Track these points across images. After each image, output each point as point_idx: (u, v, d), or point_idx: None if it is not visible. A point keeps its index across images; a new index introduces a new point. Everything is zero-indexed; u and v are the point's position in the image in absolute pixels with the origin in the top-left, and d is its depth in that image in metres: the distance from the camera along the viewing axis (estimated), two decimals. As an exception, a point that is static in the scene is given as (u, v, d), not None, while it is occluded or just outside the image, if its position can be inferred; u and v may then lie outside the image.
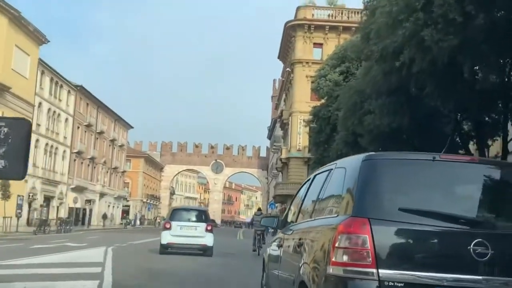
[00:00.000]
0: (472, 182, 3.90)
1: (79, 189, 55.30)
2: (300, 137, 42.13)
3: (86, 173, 58.71)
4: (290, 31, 44.53)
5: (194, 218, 17.99)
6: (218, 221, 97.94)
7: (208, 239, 17.29)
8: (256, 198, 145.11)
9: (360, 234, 3.43)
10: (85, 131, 57.63)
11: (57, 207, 50.71)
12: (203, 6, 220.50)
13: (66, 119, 51.96)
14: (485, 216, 3.78)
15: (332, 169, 4.55)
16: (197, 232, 17.35)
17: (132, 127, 76.75)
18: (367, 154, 4.02)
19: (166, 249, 17.23)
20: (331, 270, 3.50)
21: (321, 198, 4.54)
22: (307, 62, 42.73)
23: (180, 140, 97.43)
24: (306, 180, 5.56)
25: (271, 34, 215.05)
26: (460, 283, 3.38)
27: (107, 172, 67.10)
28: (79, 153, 55.09)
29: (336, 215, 3.86)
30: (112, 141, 67.82)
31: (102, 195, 64.17)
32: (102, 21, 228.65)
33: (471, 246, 3.41)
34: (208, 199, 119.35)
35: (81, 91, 54.91)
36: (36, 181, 45.08)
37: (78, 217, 56.94)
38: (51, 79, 47.76)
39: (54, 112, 48.80)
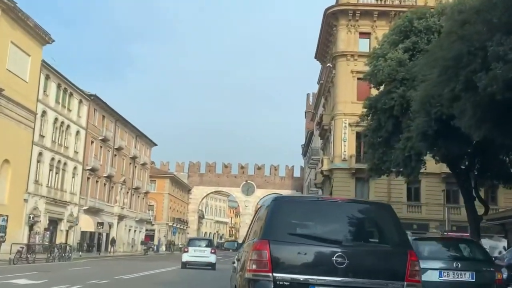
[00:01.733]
0: (340, 215, 5.97)
1: (93, 211, 49.28)
2: (345, 145, 34.98)
3: (102, 193, 52.57)
4: (331, 19, 37.69)
5: (203, 245, 27.25)
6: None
7: (212, 258, 26.20)
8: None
9: (262, 250, 5.54)
10: (101, 146, 51.71)
11: (67, 230, 44.65)
12: (231, 36, 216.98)
13: (78, 132, 46.14)
14: (344, 238, 5.74)
15: (263, 205, 6.65)
16: (205, 254, 26.27)
17: (155, 145, 71.00)
18: (277, 196, 6.77)
19: (185, 265, 25.83)
20: (246, 275, 5.65)
21: (255, 226, 6.85)
22: (352, 55, 35.78)
23: (208, 160, 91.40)
24: (255, 211, 7.94)
25: (308, 42, 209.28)
26: (326, 282, 5.46)
27: (127, 192, 60.93)
28: (93, 170, 49.02)
29: (254, 238, 6.11)
30: (133, 158, 61.90)
31: (121, 217, 58.01)
32: (136, 50, 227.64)
33: (334, 257, 5.47)
34: (239, 223, 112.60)
35: (95, 102, 49.12)
36: (39, 201, 39.18)
37: (92, 242, 50.91)
38: (58, 85, 42.03)
39: (63, 123, 42.98)
